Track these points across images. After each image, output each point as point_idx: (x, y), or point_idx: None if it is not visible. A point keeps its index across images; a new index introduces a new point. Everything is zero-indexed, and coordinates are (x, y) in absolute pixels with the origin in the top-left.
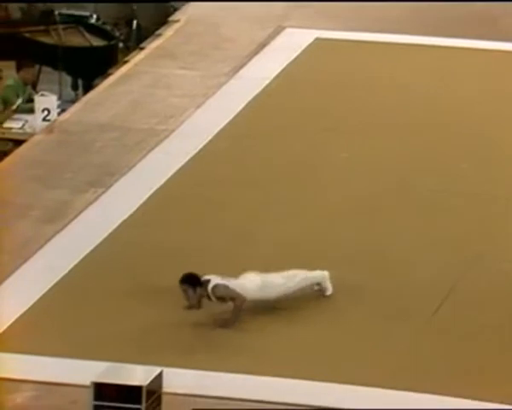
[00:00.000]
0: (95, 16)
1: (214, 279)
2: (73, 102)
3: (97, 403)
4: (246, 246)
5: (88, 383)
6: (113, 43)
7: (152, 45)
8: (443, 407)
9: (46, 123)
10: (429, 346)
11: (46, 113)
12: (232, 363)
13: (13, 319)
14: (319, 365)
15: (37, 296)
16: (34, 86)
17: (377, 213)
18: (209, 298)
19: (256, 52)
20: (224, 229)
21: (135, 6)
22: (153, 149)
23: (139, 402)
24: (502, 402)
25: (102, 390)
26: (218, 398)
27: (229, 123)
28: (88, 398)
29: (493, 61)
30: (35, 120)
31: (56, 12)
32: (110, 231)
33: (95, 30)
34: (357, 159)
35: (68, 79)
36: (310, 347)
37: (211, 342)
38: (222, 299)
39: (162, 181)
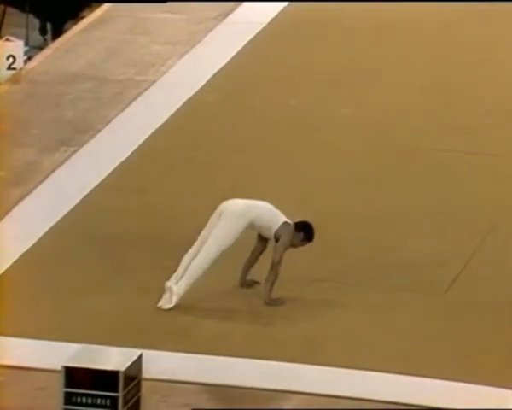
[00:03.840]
0: None
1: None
2: (42, 48)
3: (68, 390)
4: None
5: (58, 367)
6: None
7: None
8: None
9: (11, 72)
10: (442, 327)
11: (11, 60)
12: (225, 347)
13: None
14: (325, 349)
15: (3, 268)
16: None
17: (383, 178)
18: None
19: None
20: (211, 194)
21: None
22: (131, 102)
23: (116, 389)
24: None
25: (74, 375)
26: (205, 384)
27: (218, 73)
28: (58, 384)
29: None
30: None
31: None
32: (83, 195)
33: None
34: (361, 115)
35: (36, 23)
36: (318, 328)
37: (194, 321)
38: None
39: (142, 139)
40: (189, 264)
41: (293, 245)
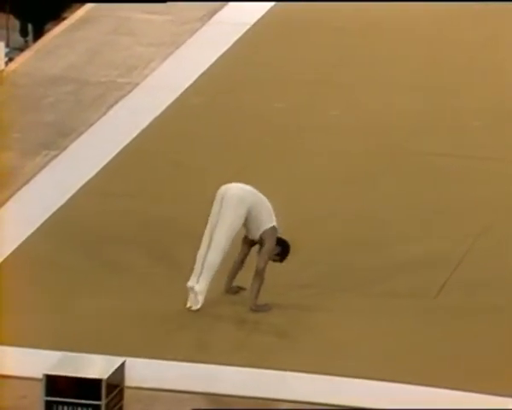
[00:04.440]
0: None
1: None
2: (23, 49)
3: (49, 399)
4: None
5: (39, 375)
6: None
7: None
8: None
9: None
10: (433, 332)
11: None
12: (209, 354)
13: None
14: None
15: None
16: None
17: (371, 180)
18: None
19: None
20: (197, 197)
21: None
22: (113, 105)
23: (98, 398)
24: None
25: (56, 384)
26: (188, 392)
27: (203, 75)
28: (39, 393)
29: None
30: None
31: None
32: (65, 199)
33: None
34: (349, 117)
35: (17, 23)
36: (304, 334)
37: (178, 328)
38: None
39: (125, 142)
40: (205, 258)
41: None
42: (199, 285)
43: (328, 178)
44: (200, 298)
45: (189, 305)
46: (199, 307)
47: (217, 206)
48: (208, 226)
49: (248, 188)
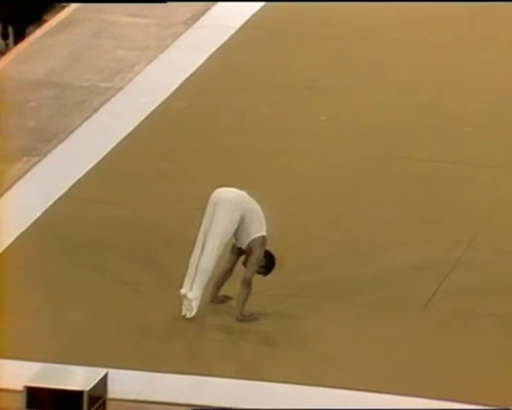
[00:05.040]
0: None
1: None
2: (3, 53)
3: None
4: None
5: (20, 387)
6: None
7: None
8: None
9: None
10: (422, 342)
11: None
12: (194, 365)
13: None
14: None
15: None
16: None
17: (360, 187)
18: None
19: (213, 2)
20: (181, 205)
21: None
22: (96, 110)
23: None
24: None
25: (37, 396)
26: (174, 404)
27: (187, 80)
28: (20, 405)
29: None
30: None
31: None
32: (46, 207)
33: None
34: (338, 122)
35: None
36: (291, 345)
37: (162, 339)
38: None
39: (107, 149)
40: (198, 264)
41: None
42: (192, 292)
43: (315, 184)
44: (195, 305)
45: (183, 313)
46: (193, 314)
47: (210, 209)
48: (202, 230)
49: (243, 193)
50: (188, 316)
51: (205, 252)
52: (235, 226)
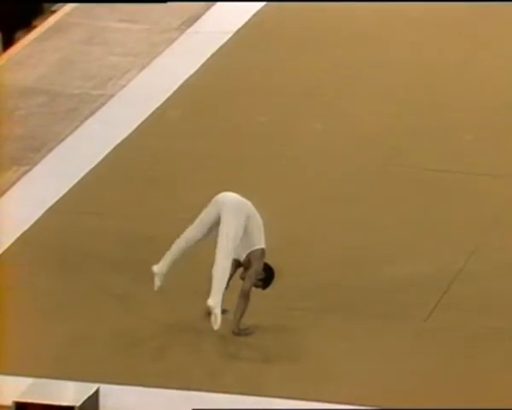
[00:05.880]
0: None
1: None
2: None
3: None
4: None
5: (9, 402)
6: None
7: None
8: None
9: None
10: (423, 356)
11: None
12: (187, 380)
13: None
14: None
15: None
16: None
17: (359, 197)
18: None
19: (213, 2)
20: (174, 216)
21: None
22: (88, 118)
23: None
24: None
25: None
26: None
27: (181, 87)
28: None
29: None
30: None
31: None
32: (36, 217)
33: None
34: (334, 131)
35: None
36: (289, 359)
37: (155, 353)
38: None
39: (99, 157)
40: (182, 248)
41: None
42: (211, 300)
43: (313, 195)
44: (218, 311)
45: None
46: (219, 324)
47: (213, 209)
48: (197, 225)
49: (246, 200)
50: (215, 328)
51: (219, 255)
52: (242, 231)
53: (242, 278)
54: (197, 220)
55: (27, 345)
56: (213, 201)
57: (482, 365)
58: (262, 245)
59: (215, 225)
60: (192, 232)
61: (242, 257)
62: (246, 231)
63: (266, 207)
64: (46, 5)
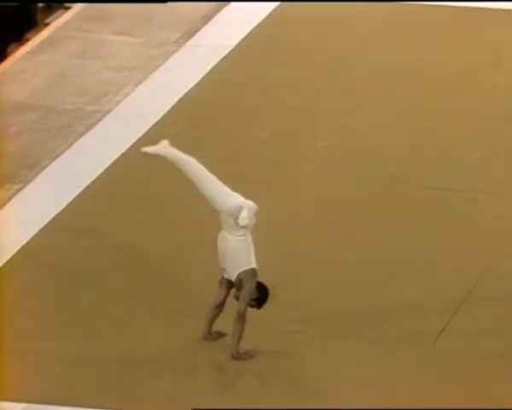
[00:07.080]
0: None
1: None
2: None
3: None
4: (196, 255)
5: None
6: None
7: (81, 4)
8: None
9: None
10: (431, 379)
11: None
12: (183, 406)
13: None
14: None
15: None
16: None
17: (363, 217)
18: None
19: (212, 15)
20: (171, 236)
21: None
22: (82, 134)
23: None
24: None
25: None
26: None
27: (178, 103)
28: None
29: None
30: None
31: None
32: (29, 237)
33: None
34: (337, 148)
35: None
36: (289, 384)
37: (151, 378)
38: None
39: (94, 175)
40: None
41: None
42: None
43: (314, 213)
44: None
45: None
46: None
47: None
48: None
49: None
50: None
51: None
52: (230, 208)
53: (236, 298)
54: (221, 185)
55: (20, 370)
56: (242, 199)
57: (491, 392)
58: (253, 265)
59: (214, 202)
60: (206, 175)
61: (233, 277)
62: (236, 251)
63: (267, 225)
64: (39, 17)
